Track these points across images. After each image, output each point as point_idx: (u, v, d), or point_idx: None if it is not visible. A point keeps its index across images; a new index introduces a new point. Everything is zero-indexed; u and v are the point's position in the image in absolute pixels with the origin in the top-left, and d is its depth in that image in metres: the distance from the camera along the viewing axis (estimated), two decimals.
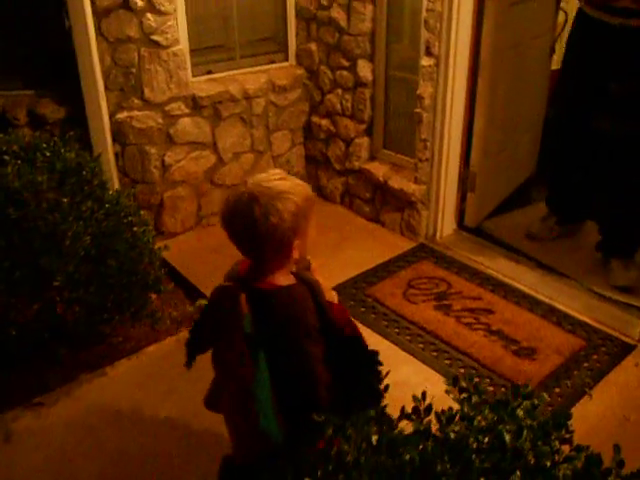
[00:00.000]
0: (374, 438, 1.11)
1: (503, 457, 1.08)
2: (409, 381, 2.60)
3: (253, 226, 1.51)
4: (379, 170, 3.76)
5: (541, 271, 3.34)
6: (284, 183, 1.57)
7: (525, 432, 1.18)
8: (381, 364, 1.61)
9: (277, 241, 1.53)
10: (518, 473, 1.09)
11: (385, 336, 2.89)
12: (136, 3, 3.21)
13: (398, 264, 3.42)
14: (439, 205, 3.56)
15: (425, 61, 3.25)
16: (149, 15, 3.29)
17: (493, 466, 1.09)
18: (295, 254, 1.59)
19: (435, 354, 2.78)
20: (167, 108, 3.50)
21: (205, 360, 1.79)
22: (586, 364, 2.74)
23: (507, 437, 1.10)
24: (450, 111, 3.30)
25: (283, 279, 1.60)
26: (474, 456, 1.12)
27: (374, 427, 1.17)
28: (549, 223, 3.62)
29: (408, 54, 3.59)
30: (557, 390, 2.61)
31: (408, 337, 2.89)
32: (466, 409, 1.23)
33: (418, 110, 3.36)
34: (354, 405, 1.42)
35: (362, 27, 3.55)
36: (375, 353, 1.62)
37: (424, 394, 1.22)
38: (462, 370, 2.69)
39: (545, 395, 1.20)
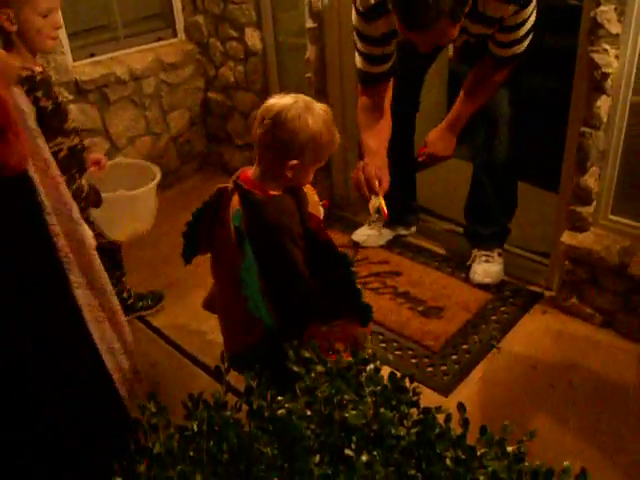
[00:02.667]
0: (195, 424, 1.01)
1: (332, 430, 0.99)
2: None
3: (282, 119, 1.68)
4: None
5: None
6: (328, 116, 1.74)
7: (369, 400, 1.10)
8: (352, 265, 1.79)
9: (280, 147, 1.70)
10: (353, 446, 1.00)
11: None
12: None
13: None
14: (341, 172, 3.46)
15: (310, 23, 3.14)
16: None
17: (325, 441, 1.01)
18: (288, 172, 1.72)
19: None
20: None
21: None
22: (494, 317, 2.71)
23: (336, 409, 1.01)
24: (340, 73, 3.20)
25: (273, 189, 1.75)
26: (309, 432, 1.04)
27: (203, 412, 1.07)
28: None
29: (297, 18, 3.47)
30: (465, 347, 2.56)
31: None
32: (307, 381, 1.14)
33: (309, 75, 3.25)
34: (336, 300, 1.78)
35: None
36: (345, 255, 1.79)
37: (260, 370, 1.12)
38: (369, 337, 2.62)
39: (390, 356, 1.10)
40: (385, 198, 2.64)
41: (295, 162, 1.70)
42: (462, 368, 2.47)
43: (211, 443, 1.02)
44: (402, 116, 2.82)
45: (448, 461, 0.93)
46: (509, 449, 0.96)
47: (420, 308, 2.76)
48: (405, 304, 2.78)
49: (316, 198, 1.92)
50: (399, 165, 2.74)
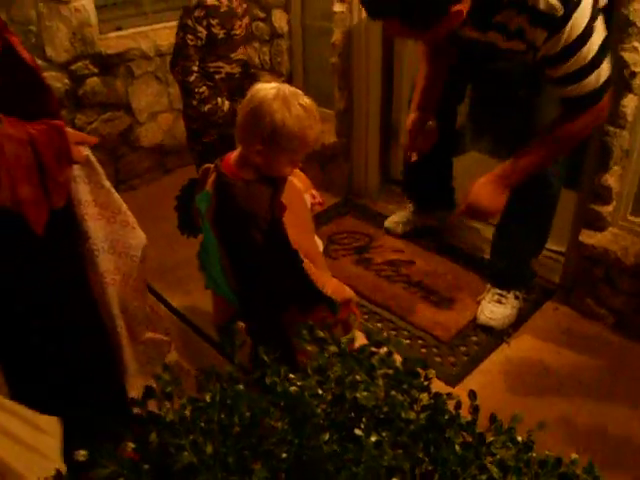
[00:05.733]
0: (208, 395, 1.02)
1: (342, 409, 1.00)
2: None
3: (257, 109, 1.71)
4: None
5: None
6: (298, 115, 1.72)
7: (381, 382, 1.11)
8: (301, 260, 1.79)
9: (248, 133, 1.74)
10: (362, 426, 1.01)
11: None
12: None
13: (320, 220, 3.32)
14: (362, 158, 3.46)
15: (337, 7, 3.12)
16: None
17: (336, 420, 1.01)
18: (255, 158, 1.75)
19: None
20: (73, 67, 3.32)
21: None
22: None
23: (348, 389, 1.02)
24: (366, 58, 3.18)
25: (246, 174, 1.79)
26: (319, 410, 1.05)
27: (216, 384, 1.08)
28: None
29: (325, 2, 3.45)
30: (474, 339, 2.56)
31: None
32: (321, 361, 1.14)
33: (334, 59, 3.24)
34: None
35: None
36: (296, 253, 1.78)
37: (272, 346, 1.13)
38: (379, 325, 2.63)
39: (402, 341, 1.11)
40: (420, 187, 2.78)
41: (259, 147, 1.73)
42: (471, 360, 2.48)
43: (222, 415, 1.03)
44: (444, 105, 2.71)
45: (457, 446, 0.93)
46: (518, 438, 0.97)
47: (432, 298, 2.76)
48: (417, 293, 2.79)
49: (306, 192, 1.99)
50: (436, 158, 2.71)
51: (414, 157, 2.57)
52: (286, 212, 1.78)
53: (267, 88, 1.73)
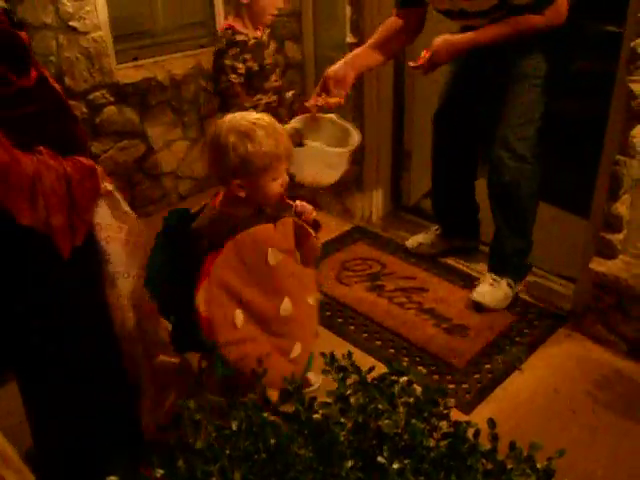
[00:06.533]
0: (234, 423, 1.05)
1: (366, 437, 1.03)
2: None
3: (213, 148, 1.79)
4: None
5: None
6: (255, 127, 1.76)
7: (401, 410, 1.13)
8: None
9: (221, 171, 1.81)
10: (385, 454, 1.04)
11: None
12: None
13: (333, 246, 3.36)
14: (373, 185, 3.51)
15: (350, 39, 3.19)
16: (65, 0, 3.17)
17: (359, 447, 1.04)
18: (236, 191, 1.80)
19: (366, 335, 2.74)
20: (91, 97, 3.39)
21: None
22: (518, 339, 2.72)
23: (372, 417, 1.05)
24: (377, 89, 3.25)
25: (243, 210, 1.85)
26: (342, 438, 1.07)
27: (241, 412, 1.11)
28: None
29: (338, 32, 3.52)
30: (487, 366, 2.58)
31: (340, 320, 2.84)
32: (342, 389, 1.18)
33: None
34: None
35: (288, 7, 3.47)
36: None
37: (293, 376, 1.16)
38: (392, 351, 2.65)
39: (423, 370, 1.13)
40: (444, 208, 3.05)
41: (237, 181, 1.81)
42: (484, 387, 2.49)
43: (247, 442, 1.06)
44: (465, 123, 2.91)
45: (479, 475, 0.96)
46: (538, 465, 0.99)
47: (445, 325, 2.78)
48: (430, 320, 2.81)
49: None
50: (460, 175, 2.81)
51: (313, 102, 2.65)
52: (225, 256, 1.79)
53: (219, 124, 1.80)
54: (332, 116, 2.73)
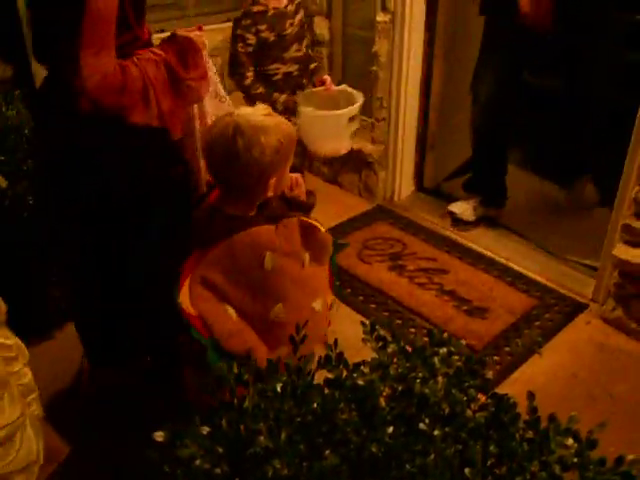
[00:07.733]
0: (279, 386, 1.07)
1: (409, 404, 1.05)
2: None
3: (234, 157, 1.57)
4: None
5: (498, 231, 3.32)
6: (270, 119, 1.63)
7: (440, 380, 1.15)
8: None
9: (255, 175, 1.61)
10: (427, 420, 1.05)
11: (338, 295, 2.85)
12: None
13: (354, 225, 3.38)
14: (397, 166, 3.50)
15: (380, 17, 3.18)
16: None
17: (400, 414, 1.06)
18: (270, 191, 1.67)
19: (387, 314, 2.75)
20: None
21: None
22: (538, 323, 2.73)
23: (416, 384, 1.06)
24: (407, 69, 3.23)
25: (244, 209, 1.68)
26: (384, 404, 1.09)
27: (284, 376, 1.13)
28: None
29: (366, 11, 3.51)
30: (507, 349, 2.59)
31: (361, 297, 2.86)
32: (382, 357, 1.19)
33: (374, 68, 3.30)
34: None
35: None
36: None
37: (336, 341, 1.18)
38: (413, 330, 2.67)
39: (463, 342, 1.15)
40: (476, 175, 3.27)
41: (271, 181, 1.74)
42: (503, 370, 2.50)
43: (291, 404, 1.08)
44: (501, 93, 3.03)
45: (524, 444, 0.97)
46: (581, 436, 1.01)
47: (465, 307, 2.79)
48: (450, 302, 2.82)
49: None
50: (491, 142, 2.92)
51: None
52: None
53: (225, 131, 1.60)
54: (344, 86, 3.04)
